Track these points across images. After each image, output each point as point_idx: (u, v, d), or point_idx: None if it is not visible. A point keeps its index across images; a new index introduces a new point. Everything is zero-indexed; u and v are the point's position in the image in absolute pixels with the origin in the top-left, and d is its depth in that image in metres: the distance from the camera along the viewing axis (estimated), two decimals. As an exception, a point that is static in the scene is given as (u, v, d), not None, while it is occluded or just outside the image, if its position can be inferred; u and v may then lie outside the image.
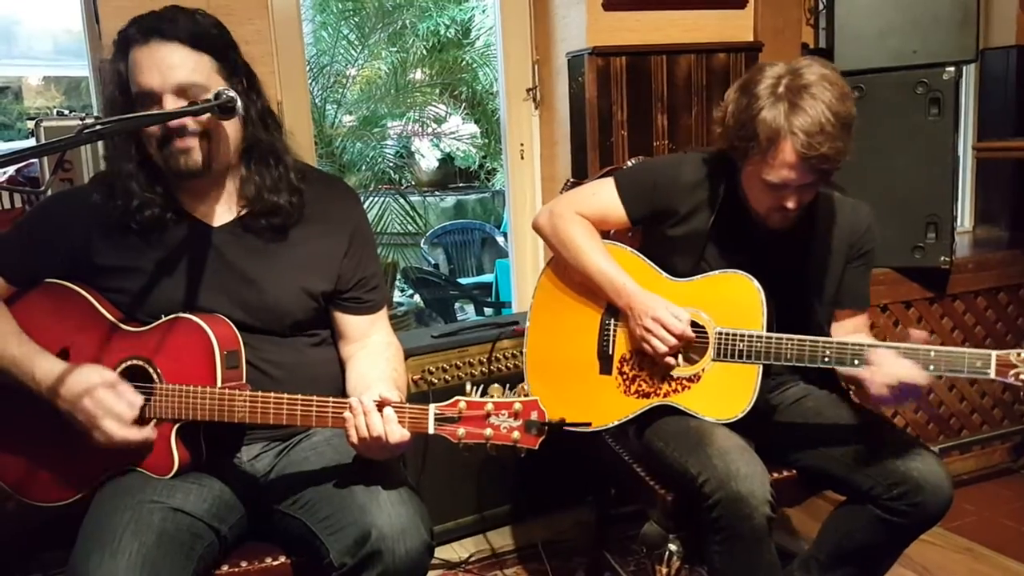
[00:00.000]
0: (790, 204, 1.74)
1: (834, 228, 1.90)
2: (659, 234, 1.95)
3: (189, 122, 1.50)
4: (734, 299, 1.83)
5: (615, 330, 1.96)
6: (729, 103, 1.77)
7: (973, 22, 2.72)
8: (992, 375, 1.63)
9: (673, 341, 1.81)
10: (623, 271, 1.91)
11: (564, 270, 2.03)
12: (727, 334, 1.80)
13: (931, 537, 2.59)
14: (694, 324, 1.85)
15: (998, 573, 2.51)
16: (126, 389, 1.51)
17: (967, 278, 3.00)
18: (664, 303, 1.84)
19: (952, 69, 2.69)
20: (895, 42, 2.75)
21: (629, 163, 2.25)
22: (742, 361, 1.79)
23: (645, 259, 1.96)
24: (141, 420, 1.53)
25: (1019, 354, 1.61)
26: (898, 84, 2.75)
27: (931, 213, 2.77)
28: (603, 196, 1.98)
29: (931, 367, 1.66)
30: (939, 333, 2.99)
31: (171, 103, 1.48)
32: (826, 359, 1.73)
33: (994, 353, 1.63)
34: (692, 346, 1.85)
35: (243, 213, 1.64)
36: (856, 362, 1.71)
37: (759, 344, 1.77)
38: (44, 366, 1.52)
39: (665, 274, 1.93)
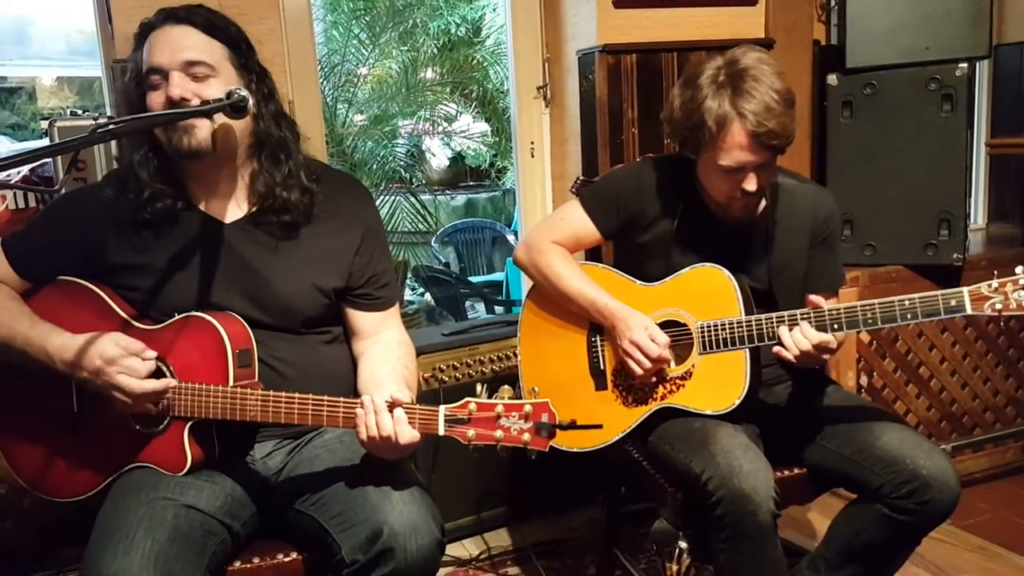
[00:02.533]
0: (750, 186, 1.77)
1: (797, 215, 1.94)
2: (629, 244, 2.00)
3: (194, 99, 1.50)
4: (708, 291, 1.86)
5: (603, 346, 1.99)
6: (674, 99, 1.83)
7: (986, 18, 2.70)
8: (968, 310, 1.65)
9: (649, 365, 1.84)
10: (603, 291, 1.94)
11: (543, 299, 2.07)
12: (709, 326, 1.83)
13: (944, 536, 2.59)
14: (675, 324, 1.88)
15: (1011, 572, 2.49)
16: (140, 348, 1.51)
17: (980, 275, 2.91)
18: (642, 324, 1.86)
19: (965, 65, 2.67)
20: (907, 38, 2.74)
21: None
22: (728, 349, 1.82)
23: (619, 272, 2.00)
24: (155, 420, 1.55)
25: (990, 285, 1.64)
26: (910, 80, 2.73)
27: (944, 210, 2.75)
28: (572, 219, 2.03)
29: (908, 315, 1.68)
30: (951, 330, 2.97)
31: (177, 80, 1.50)
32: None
33: (966, 289, 1.66)
34: (679, 344, 1.87)
35: (253, 210, 1.65)
36: (836, 326, 1.73)
37: (740, 329, 1.80)
38: (57, 340, 1.53)
39: (639, 282, 1.97)
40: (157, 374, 1.55)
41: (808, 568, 1.91)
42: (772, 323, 1.77)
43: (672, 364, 1.88)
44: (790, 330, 1.74)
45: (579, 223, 2.02)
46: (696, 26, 2.80)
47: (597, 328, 1.99)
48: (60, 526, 2.00)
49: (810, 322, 1.73)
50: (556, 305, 2.04)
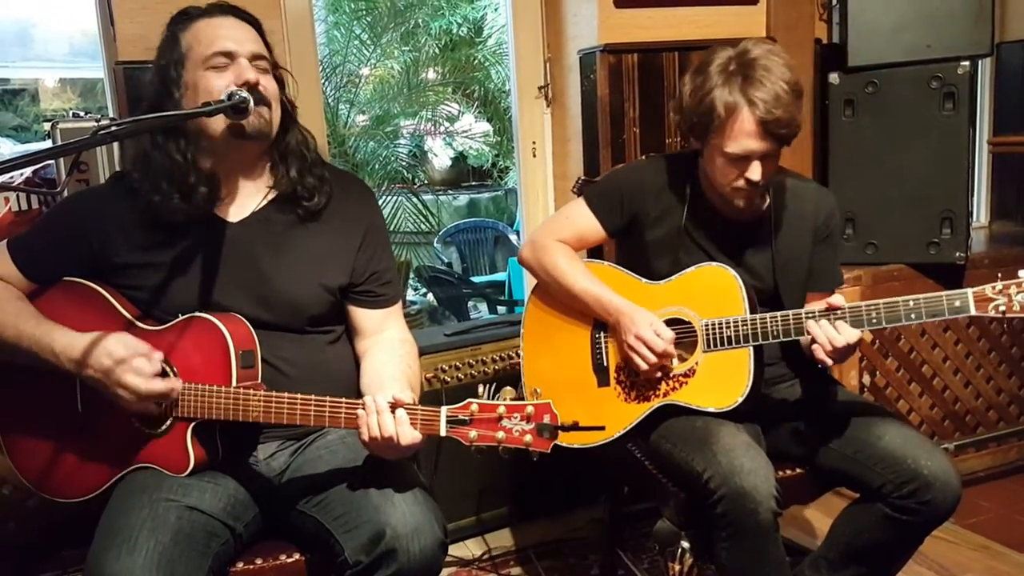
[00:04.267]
0: (753, 175, 1.78)
1: (799, 213, 1.96)
2: (634, 242, 2.01)
3: (273, 88, 1.61)
4: (714, 290, 1.87)
5: (606, 342, 1.99)
6: (684, 86, 1.85)
7: (988, 16, 2.69)
8: (972, 311, 1.64)
9: (654, 360, 1.85)
10: (607, 288, 1.95)
11: (548, 295, 2.07)
12: (713, 324, 1.83)
13: (947, 534, 2.58)
14: (680, 322, 1.88)
15: (1015, 570, 2.49)
16: (147, 348, 1.51)
17: (983, 274, 2.96)
18: (647, 320, 1.87)
19: (967, 63, 2.67)
20: (909, 36, 2.74)
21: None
22: (732, 347, 1.82)
23: (624, 270, 2.01)
24: (158, 421, 1.55)
25: (994, 287, 1.63)
26: (912, 79, 2.73)
27: (946, 208, 2.75)
28: (577, 217, 2.04)
29: (912, 316, 1.68)
30: (953, 329, 2.97)
31: (245, 65, 1.56)
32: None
33: (970, 290, 1.65)
34: (683, 342, 1.87)
35: (272, 198, 1.67)
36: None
37: (744, 327, 1.81)
38: (63, 339, 1.53)
39: (644, 280, 1.97)
40: (162, 375, 1.55)
41: (810, 568, 1.91)
42: (776, 322, 1.78)
43: (676, 361, 1.88)
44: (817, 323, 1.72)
45: (584, 221, 2.03)
46: (697, 25, 2.80)
47: (601, 325, 1.99)
48: (64, 527, 2.00)
49: (815, 320, 1.73)
50: (560, 302, 2.04)
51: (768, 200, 1.93)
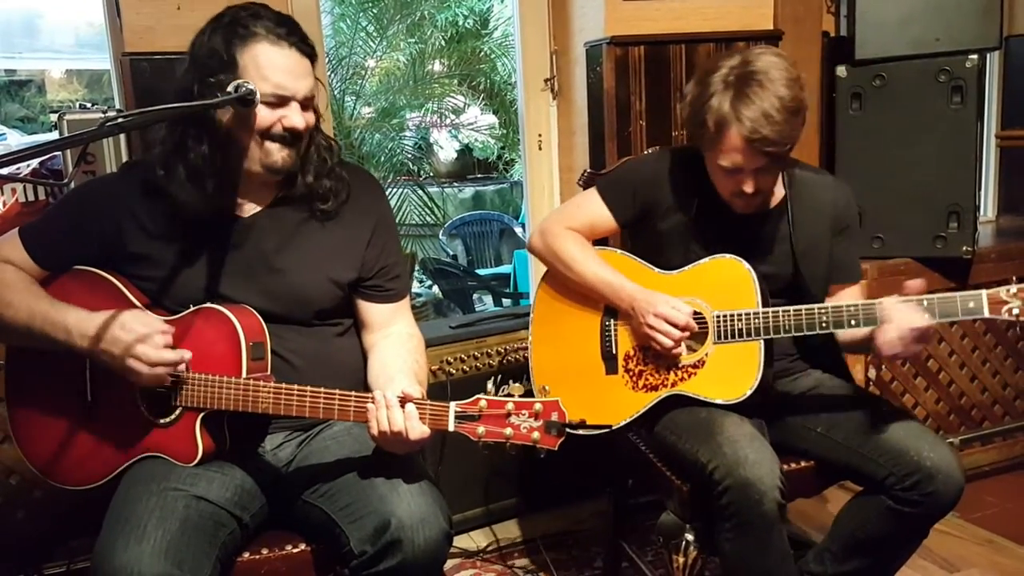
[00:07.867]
0: (747, 188, 1.79)
1: (816, 205, 1.95)
2: (647, 232, 2.00)
3: (311, 123, 1.59)
4: (727, 282, 1.87)
5: (615, 329, 1.99)
6: (687, 93, 1.86)
7: (997, 9, 2.68)
8: (986, 313, 1.64)
9: (678, 334, 1.85)
10: (620, 274, 1.96)
11: (558, 281, 2.07)
12: (725, 316, 1.84)
13: (952, 529, 2.59)
14: (692, 312, 1.88)
15: (1019, 564, 2.49)
16: (160, 324, 1.52)
17: (990, 268, 2.96)
18: (664, 298, 1.88)
19: (975, 57, 2.65)
20: (917, 30, 2.72)
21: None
22: (743, 339, 1.83)
23: (635, 258, 2.01)
24: (167, 411, 1.56)
25: (1008, 290, 1.63)
26: (920, 72, 2.72)
27: (953, 202, 2.74)
28: (589, 206, 2.04)
29: (927, 316, 1.68)
30: (960, 323, 2.96)
31: (295, 109, 1.56)
32: (824, 324, 1.77)
33: (984, 291, 1.64)
34: (694, 334, 1.87)
35: (283, 195, 1.67)
36: (853, 322, 1.74)
37: (756, 320, 1.81)
38: (75, 315, 1.53)
39: (657, 269, 1.97)
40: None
41: (814, 560, 1.91)
42: (788, 316, 1.78)
43: (685, 351, 1.88)
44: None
45: (596, 211, 2.03)
46: (704, 18, 2.79)
47: (610, 312, 1.99)
48: (71, 516, 2.02)
49: (828, 315, 1.74)
50: (570, 289, 2.04)
51: (784, 191, 1.93)
